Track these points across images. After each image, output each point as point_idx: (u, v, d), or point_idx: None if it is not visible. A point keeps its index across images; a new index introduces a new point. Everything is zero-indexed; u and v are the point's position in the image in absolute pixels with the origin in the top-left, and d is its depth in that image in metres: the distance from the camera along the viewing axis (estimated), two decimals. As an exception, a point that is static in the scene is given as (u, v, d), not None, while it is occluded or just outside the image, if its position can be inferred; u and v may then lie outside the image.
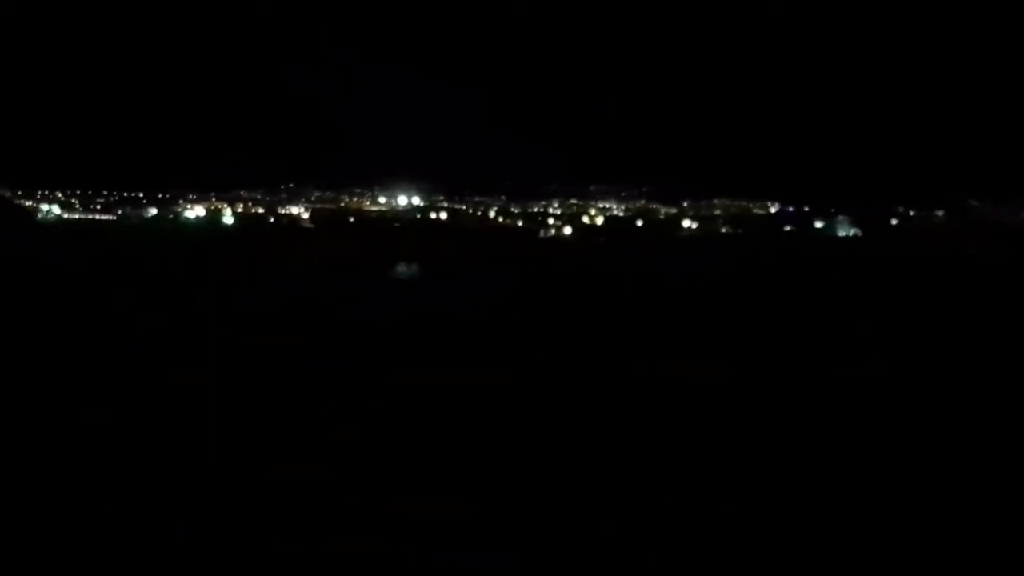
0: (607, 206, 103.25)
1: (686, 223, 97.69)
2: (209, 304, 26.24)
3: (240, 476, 9.78)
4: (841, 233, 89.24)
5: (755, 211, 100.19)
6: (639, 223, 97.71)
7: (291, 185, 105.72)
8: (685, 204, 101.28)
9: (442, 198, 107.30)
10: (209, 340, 19.39)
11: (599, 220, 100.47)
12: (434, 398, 14.08)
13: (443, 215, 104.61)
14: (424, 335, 21.20)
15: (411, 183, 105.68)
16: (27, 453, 10.59)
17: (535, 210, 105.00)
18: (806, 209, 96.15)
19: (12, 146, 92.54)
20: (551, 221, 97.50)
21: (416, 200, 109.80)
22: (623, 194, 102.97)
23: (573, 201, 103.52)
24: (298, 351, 18.39)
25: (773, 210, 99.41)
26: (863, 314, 26.17)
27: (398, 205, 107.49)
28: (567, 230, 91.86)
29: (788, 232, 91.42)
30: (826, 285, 35.97)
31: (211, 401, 13.74)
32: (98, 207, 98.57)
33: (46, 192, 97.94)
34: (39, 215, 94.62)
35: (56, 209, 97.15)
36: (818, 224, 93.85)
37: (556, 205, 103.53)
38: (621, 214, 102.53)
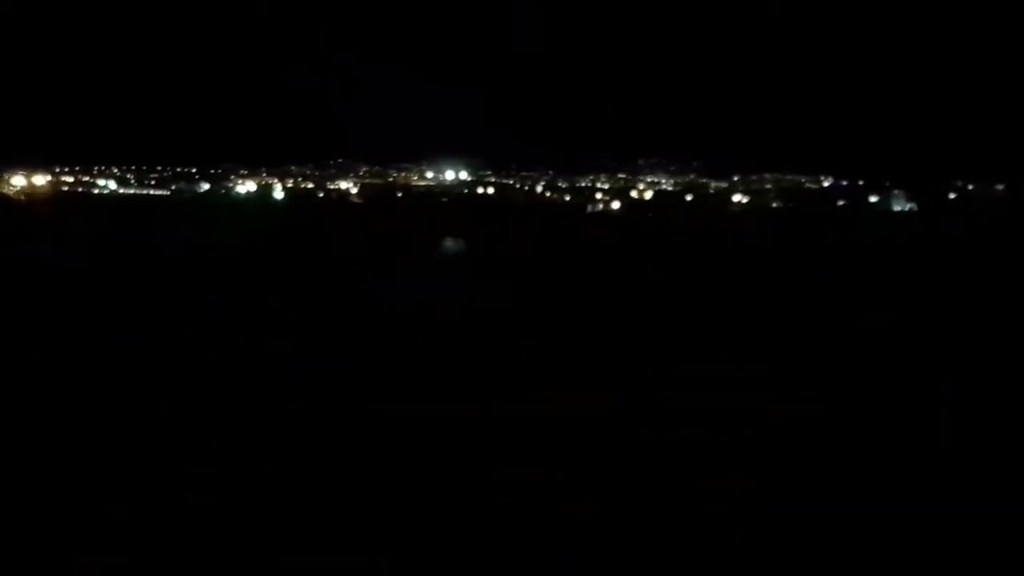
0: (656, 180, 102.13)
1: (736, 198, 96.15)
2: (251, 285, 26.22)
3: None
4: (896, 208, 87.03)
5: (807, 185, 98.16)
6: (688, 198, 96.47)
7: (340, 160, 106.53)
8: (736, 178, 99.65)
9: (489, 173, 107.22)
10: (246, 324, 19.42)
11: (648, 195, 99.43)
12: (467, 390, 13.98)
13: (490, 190, 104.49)
14: (461, 319, 20.75)
15: (458, 158, 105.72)
16: (90, 428, 10.86)
17: (583, 184, 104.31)
18: (860, 183, 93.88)
19: (69, 123, 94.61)
20: (599, 196, 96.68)
21: (463, 175, 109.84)
22: (672, 168, 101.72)
23: (621, 175, 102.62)
24: (330, 336, 18.13)
25: (826, 184, 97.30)
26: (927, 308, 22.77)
27: (445, 180, 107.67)
28: (615, 205, 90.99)
29: (841, 207, 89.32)
30: (885, 267, 34.29)
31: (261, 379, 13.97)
32: (152, 182, 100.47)
33: (103, 168, 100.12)
34: (96, 190, 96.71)
35: (112, 184, 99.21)
36: (873, 199, 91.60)
37: (604, 179, 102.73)
38: (670, 188, 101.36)
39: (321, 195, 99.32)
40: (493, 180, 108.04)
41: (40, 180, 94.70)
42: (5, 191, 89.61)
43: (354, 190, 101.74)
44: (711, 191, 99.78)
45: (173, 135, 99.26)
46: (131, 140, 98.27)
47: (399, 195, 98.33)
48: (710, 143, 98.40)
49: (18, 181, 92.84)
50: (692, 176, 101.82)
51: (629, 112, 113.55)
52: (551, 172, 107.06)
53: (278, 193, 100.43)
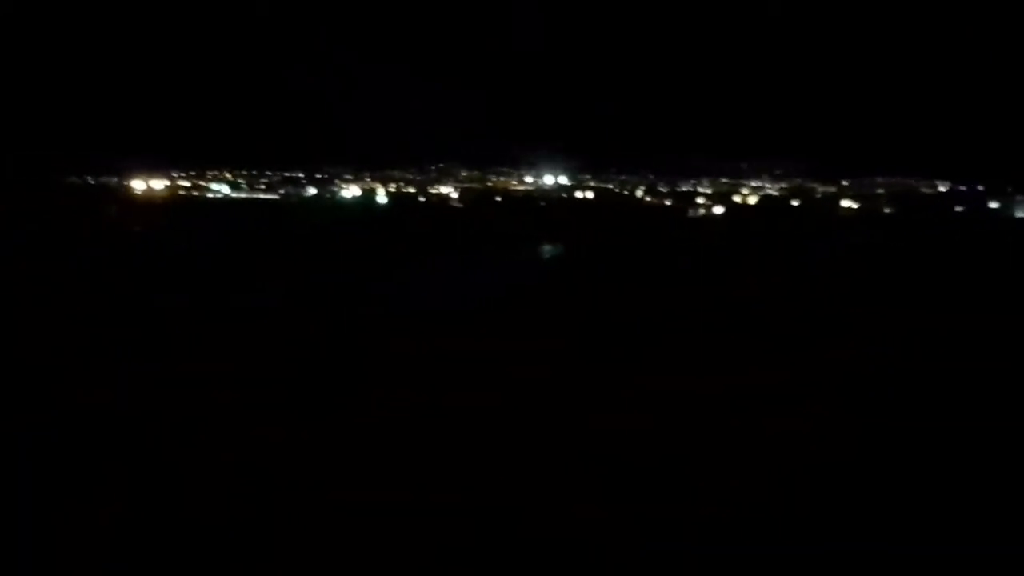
0: (760, 184, 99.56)
1: (845, 203, 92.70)
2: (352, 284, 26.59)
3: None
4: (1020, 214, 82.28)
5: (922, 190, 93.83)
6: (795, 203, 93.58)
7: (441, 165, 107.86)
8: (845, 182, 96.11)
9: (588, 177, 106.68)
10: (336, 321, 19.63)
11: (752, 199, 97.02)
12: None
13: (589, 194, 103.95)
14: (557, 322, 20.40)
15: (557, 162, 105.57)
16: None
17: (684, 189, 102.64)
18: (980, 188, 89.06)
19: (186, 130, 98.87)
20: (700, 200, 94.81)
21: (562, 179, 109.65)
22: (777, 172, 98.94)
23: (724, 179, 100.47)
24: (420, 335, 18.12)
25: (942, 189, 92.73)
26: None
27: (544, 184, 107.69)
28: (717, 209, 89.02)
29: (959, 213, 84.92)
30: (1006, 277, 32.22)
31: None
32: (262, 186, 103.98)
33: (216, 172, 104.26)
34: (209, 194, 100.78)
35: (225, 188, 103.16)
36: (993, 204, 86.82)
37: (706, 183, 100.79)
38: (776, 193, 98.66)
39: (422, 199, 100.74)
40: (592, 184, 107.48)
41: (158, 184, 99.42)
42: (127, 194, 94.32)
43: (454, 194, 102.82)
44: (818, 195, 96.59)
45: (283, 141, 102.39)
46: (243, 146, 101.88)
47: (498, 199, 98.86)
48: (817, 144, 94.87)
49: (138, 185, 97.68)
50: (798, 180, 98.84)
51: (732, 113, 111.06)
52: (651, 176, 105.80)
53: (381, 197, 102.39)
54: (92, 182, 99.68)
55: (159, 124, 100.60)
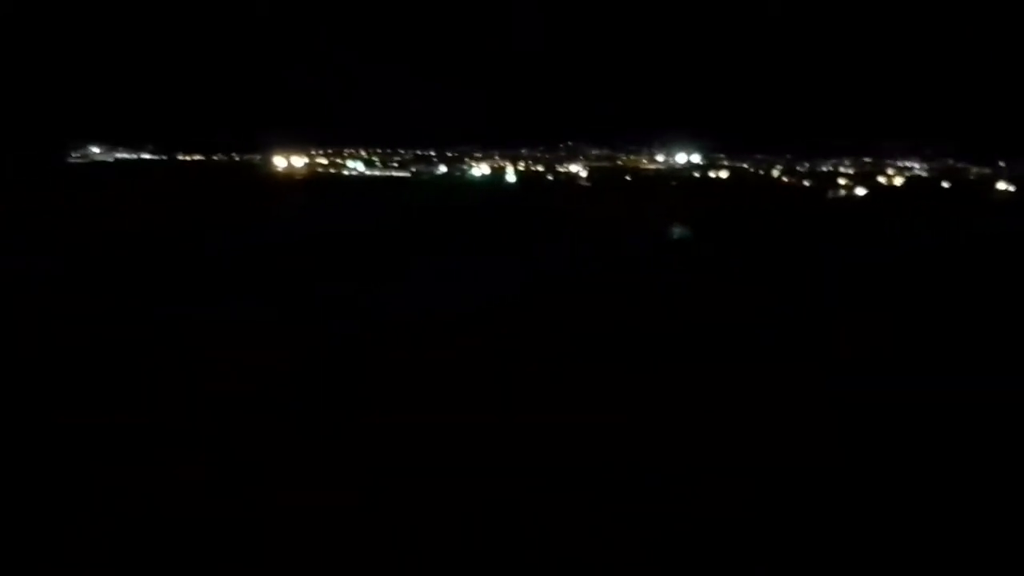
0: (906, 165, 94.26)
1: (1001, 185, 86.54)
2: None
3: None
4: None
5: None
6: (945, 184, 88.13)
7: (570, 143, 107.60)
8: (1001, 163, 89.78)
9: (722, 156, 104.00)
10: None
11: (897, 181, 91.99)
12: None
13: (723, 173, 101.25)
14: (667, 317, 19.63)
15: (690, 140, 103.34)
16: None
17: (824, 169, 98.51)
18: None
19: (325, 110, 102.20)
20: (841, 181, 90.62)
21: (695, 158, 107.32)
22: (925, 151, 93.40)
23: (867, 159, 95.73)
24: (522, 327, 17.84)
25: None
26: None
27: (676, 163, 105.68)
28: (859, 191, 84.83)
29: None
30: None
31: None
32: (395, 164, 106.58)
33: (352, 151, 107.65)
34: (345, 171, 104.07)
35: (360, 166, 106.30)
36: None
37: (848, 163, 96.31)
38: (924, 174, 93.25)
39: (550, 178, 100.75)
40: (726, 163, 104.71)
41: (298, 162, 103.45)
42: (269, 171, 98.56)
43: (583, 173, 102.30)
44: (971, 177, 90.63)
45: (415, 120, 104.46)
46: (377, 125, 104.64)
47: (627, 178, 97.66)
48: (971, 122, 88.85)
49: (280, 162, 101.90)
50: (949, 160, 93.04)
51: (875, 90, 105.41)
52: (789, 155, 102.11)
53: (510, 175, 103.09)
54: (237, 159, 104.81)
55: (300, 105, 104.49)
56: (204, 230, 36.09)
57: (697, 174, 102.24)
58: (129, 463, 9.30)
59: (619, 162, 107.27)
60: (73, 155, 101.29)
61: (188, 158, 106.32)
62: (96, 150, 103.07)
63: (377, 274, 24.21)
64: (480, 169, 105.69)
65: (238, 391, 12.14)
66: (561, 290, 22.14)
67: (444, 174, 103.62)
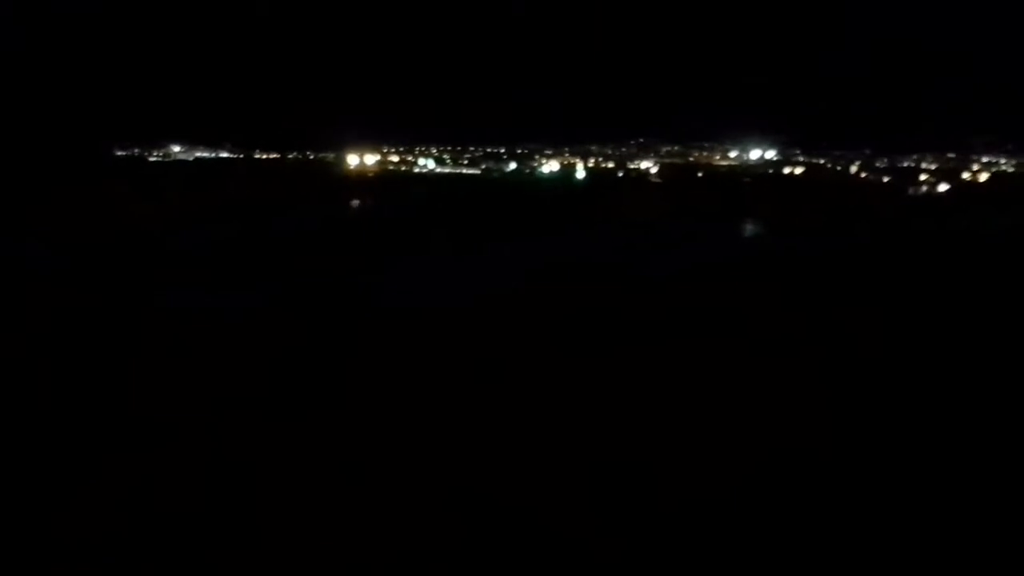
0: (992, 160, 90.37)
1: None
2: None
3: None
4: None
5: None
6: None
7: (641, 140, 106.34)
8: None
9: (798, 151, 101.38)
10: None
11: (982, 177, 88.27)
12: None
13: (798, 170, 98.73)
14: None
15: (765, 136, 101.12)
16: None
17: (905, 164, 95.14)
18: None
19: (396, 109, 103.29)
20: (923, 177, 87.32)
21: (770, 154, 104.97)
22: (1010, 147, 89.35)
23: (950, 155, 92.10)
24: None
25: None
26: None
27: (749, 159, 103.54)
28: (942, 187, 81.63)
29: None
30: None
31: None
32: (465, 162, 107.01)
33: (423, 148, 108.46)
34: (416, 168, 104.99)
35: (431, 163, 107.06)
36: None
37: (930, 159, 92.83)
38: (1011, 170, 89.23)
39: (620, 174, 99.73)
40: (802, 159, 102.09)
41: (371, 159, 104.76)
42: (343, 169, 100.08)
43: (654, 169, 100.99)
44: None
45: (485, 119, 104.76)
46: (449, 123, 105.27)
47: (699, 174, 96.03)
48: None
49: (353, 160, 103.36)
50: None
51: (959, 84, 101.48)
52: (869, 150, 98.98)
53: (580, 172, 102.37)
54: (311, 157, 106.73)
55: (372, 105, 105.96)
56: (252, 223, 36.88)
57: (771, 170, 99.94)
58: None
59: (691, 158, 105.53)
60: (155, 153, 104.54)
61: (264, 156, 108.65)
62: (177, 148, 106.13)
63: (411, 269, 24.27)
64: (550, 166, 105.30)
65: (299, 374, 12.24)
66: (629, 286, 21.85)
67: (514, 171, 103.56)
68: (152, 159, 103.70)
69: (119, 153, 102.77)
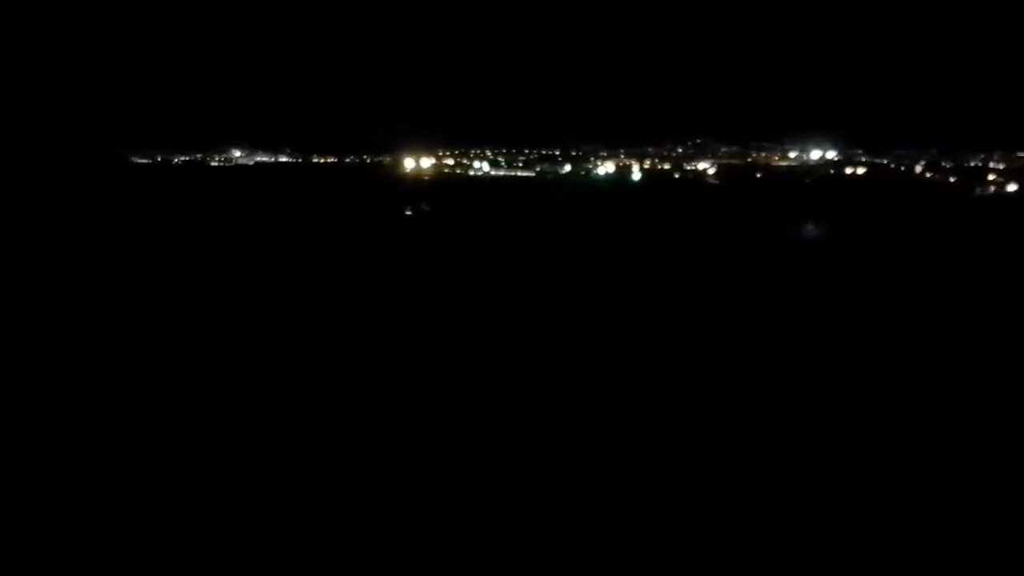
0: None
1: None
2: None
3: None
4: None
5: None
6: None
7: (698, 140, 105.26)
8: None
9: (860, 151, 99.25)
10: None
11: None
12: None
13: (860, 170, 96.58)
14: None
15: (825, 135, 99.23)
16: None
17: (972, 164, 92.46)
18: None
19: (451, 113, 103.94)
20: (991, 177, 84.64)
21: (831, 153, 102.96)
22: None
23: (1020, 154, 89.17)
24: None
25: None
26: None
27: (810, 159, 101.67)
28: (1011, 187, 79.00)
29: None
30: None
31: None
32: (520, 164, 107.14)
33: (478, 151, 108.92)
34: (471, 172, 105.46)
35: (486, 166, 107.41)
36: None
37: (997, 158, 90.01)
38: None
39: (677, 176, 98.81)
40: (864, 159, 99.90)
41: (426, 162, 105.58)
42: (399, 172, 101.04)
43: (711, 171, 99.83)
44: None
45: (539, 121, 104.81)
46: (503, 126, 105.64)
47: (758, 175, 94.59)
48: None
49: (409, 163, 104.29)
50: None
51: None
52: (934, 149, 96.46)
53: (636, 175, 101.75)
54: (368, 160, 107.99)
55: (427, 110, 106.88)
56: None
57: (833, 170, 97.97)
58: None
59: (749, 159, 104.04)
60: (216, 158, 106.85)
61: (322, 160, 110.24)
62: (237, 153, 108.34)
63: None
64: (605, 168, 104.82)
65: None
66: (686, 287, 21.51)
67: (569, 173, 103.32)
68: (214, 164, 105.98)
69: (183, 159, 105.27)
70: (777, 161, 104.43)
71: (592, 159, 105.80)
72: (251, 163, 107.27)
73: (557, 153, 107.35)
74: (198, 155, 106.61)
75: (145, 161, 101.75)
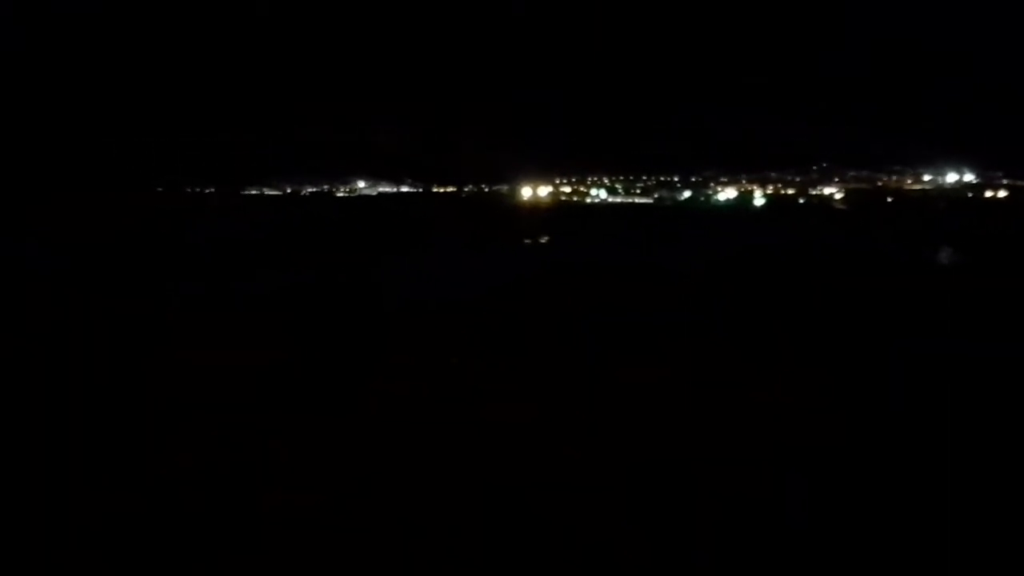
0: None
1: None
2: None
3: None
4: None
5: None
6: None
7: (824, 165, 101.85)
8: None
9: (1000, 173, 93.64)
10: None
11: None
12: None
13: (1001, 193, 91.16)
14: None
15: (961, 158, 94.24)
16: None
17: None
18: None
19: (568, 141, 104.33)
20: None
21: (967, 176, 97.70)
22: None
23: None
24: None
25: None
26: None
27: (945, 182, 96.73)
28: None
29: None
30: None
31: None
32: (637, 191, 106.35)
33: (595, 178, 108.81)
34: (588, 199, 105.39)
35: (603, 193, 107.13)
36: None
37: None
38: None
39: (802, 201, 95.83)
40: (1005, 181, 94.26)
41: (543, 191, 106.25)
42: (517, 200, 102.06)
43: (838, 195, 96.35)
44: None
45: (658, 146, 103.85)
46: (620, 153, 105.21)
47: (889, 199, 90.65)
48: None
49: (526, 192, 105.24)
50: None
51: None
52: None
53: (758, 200, 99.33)
54: (486, 189, 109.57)
55: (545, 135, 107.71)
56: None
57: (971, 194, 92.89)
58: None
59: (879, 183, 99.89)
60: (342, 188, 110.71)
61: (442, 189, 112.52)
62: (362, 184, 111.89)
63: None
64: (726, 193, 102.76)
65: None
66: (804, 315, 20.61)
67: (688, 199, 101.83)
68: (339, 194, 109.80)
69: (311, 189, 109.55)
70: (910, 185, 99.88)
71: (712, 184, 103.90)
72: (374, 193, 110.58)
73: (675, 179, 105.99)
74: (325, 186, 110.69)
75: (276, 193, 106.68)
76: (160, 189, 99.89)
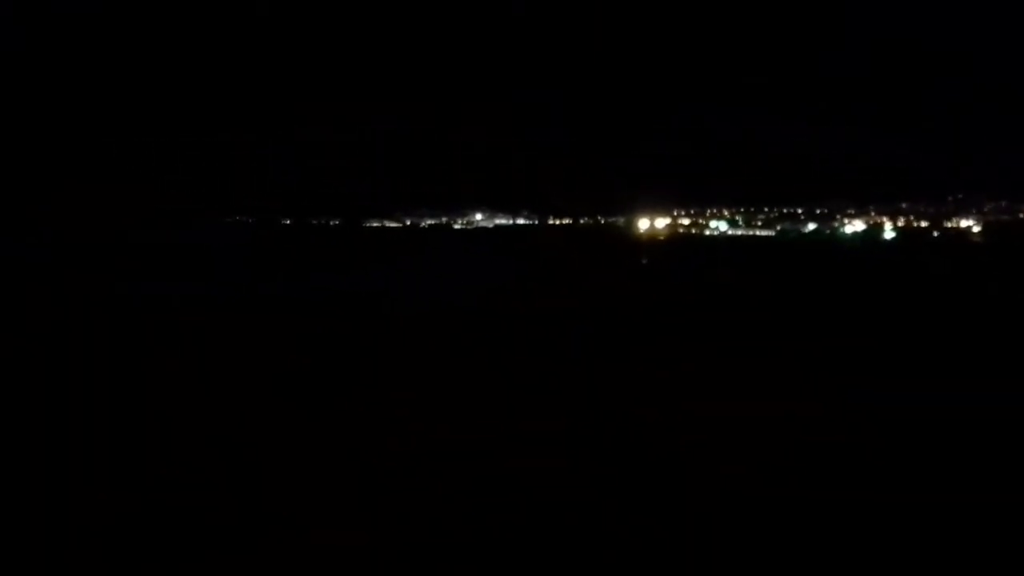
0: None
1: None
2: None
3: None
4: None
5: None
6: None
7: (960, 195, 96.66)
8: None
9: None
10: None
11: None
12: None
13: None
14: None
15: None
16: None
17: None
18: None
19: (687, 172, 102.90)
20: None
21: None
22: None
23: None
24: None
25: None
26: None
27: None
28: None
29: None
30: None
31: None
32: (759, 223, 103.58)
33: (715, 210, 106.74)
34: (707, 231, 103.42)
35: (723, 225, 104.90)
36: None
37: None
38: None
39: (936, 234, 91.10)
40: None
41: (661, 223, 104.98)
42: (634, 232, 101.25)
43: (976, 228, 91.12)
44: None
45: (779, 176, 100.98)
46: (744, 183, 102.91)
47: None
48: None
49: (643, 223, 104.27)
50: None
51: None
52: None
53: (888, 233, 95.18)
54: (602, 221, 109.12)
55: (661, 166, 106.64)
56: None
57: None
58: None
59: (1022, 214, 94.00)
60: (459, 221, 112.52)
61: (558, 221, 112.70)
62: (479, 216, 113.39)
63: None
64: (853, 226, 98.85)
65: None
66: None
67: (812, 231, 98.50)
68: (456, 226, 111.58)
69: (430, 222, 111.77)
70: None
71: (838, 216, 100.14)
72: (491, 225, 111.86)
73: (800, 211, 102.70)
74: (443, 218, 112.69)
75: (396, 225, 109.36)
76: (287, 222, 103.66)
